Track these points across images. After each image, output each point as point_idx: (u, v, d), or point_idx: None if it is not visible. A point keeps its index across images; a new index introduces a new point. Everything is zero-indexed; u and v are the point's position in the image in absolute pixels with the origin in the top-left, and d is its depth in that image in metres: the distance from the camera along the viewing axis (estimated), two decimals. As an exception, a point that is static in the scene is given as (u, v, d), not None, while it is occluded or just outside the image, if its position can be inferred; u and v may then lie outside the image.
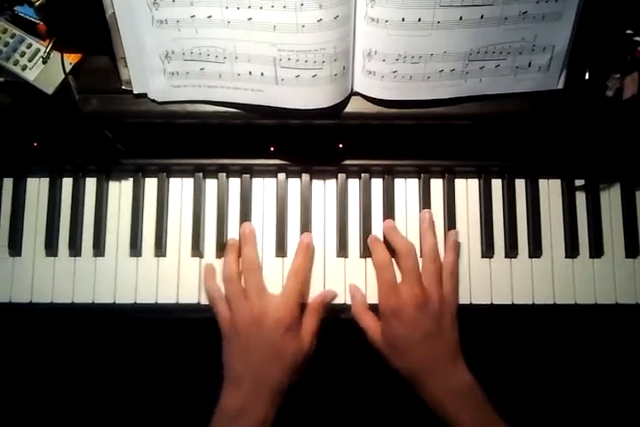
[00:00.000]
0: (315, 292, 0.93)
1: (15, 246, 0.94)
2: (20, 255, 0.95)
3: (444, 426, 0.83)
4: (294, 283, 0.90)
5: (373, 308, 0.90)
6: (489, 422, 0.83)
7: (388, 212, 0.95)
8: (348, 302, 0.92)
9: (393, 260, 0.92)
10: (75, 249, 0.94)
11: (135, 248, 0.94)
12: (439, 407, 0.84)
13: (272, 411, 0.84)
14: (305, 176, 0.96)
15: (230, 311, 0.88)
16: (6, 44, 0.82)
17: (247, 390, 0.84)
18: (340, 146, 0.93)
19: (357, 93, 0.86)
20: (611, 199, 0.96)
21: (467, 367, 0.86)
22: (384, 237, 0.94)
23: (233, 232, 0.94)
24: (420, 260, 0.91)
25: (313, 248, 0.93)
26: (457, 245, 0.93)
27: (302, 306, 0.90)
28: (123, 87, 0.86)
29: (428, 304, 0.86)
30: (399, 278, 0.90)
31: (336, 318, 0.93)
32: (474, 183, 0.97)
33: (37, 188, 0.96)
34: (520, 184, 0.96)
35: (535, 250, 0.94)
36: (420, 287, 0.87)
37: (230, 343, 0.87)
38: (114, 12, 0.79)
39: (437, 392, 0.84)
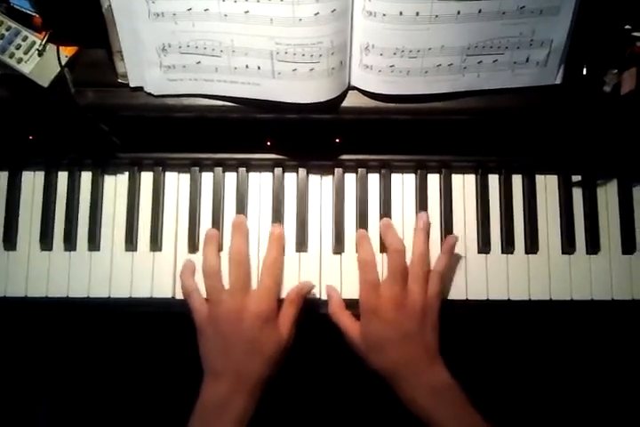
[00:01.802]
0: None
1: (10, 240, 0.94)
2: (14, 249, 0.94)
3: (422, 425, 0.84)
4: (270, 276, 0.89)
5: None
6: (468, 422, 0.83)
7: (385, 207, 0.95)
8: (345, 296, 0.92)
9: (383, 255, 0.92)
10: (70, 243, 0.94)
11: (131, 242, 0.94)
12: (416, 407, 0.84)
13: (252, 404, 0.85)
14: (302, 171, 0.95)
15: (209, 306, 0.88)
16: (2, 37, 0.82)
17: (227, 384, 0.85)
18: (337, 141, 0.93)
19: (354, 88, 0.86)
20: (607, 195, 0.96)
21: (445, 368, 0.86)
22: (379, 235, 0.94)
23: (229, 228, 0.94)
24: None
25: (284, 238, 0.93)
26: (452, 250, 0.92)
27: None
28: (119, 80, 0.86)
29: (407, 304, 0.86)
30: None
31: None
32: (471, 179, 0.96)
33: (32, 181, 0.95)
34: (517, 180, 0.96)
35: (531, 246, 0.94)
36: (402, 287, 0.87)
37: (208, 338, 0.87)
38: (110, 5, 0.79)
39: (414, 392, 0.84)
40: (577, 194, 0.96)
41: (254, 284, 0.91)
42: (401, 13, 0.77)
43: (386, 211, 0.95)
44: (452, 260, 0.93)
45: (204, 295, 0.90)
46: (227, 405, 0.84)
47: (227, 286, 0.89)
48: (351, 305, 0.91)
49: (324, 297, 0.93)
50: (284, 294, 0.91)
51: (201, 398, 0.85)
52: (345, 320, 0.89)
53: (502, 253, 0.95)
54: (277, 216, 0.94)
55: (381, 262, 0.93)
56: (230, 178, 0.96)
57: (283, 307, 0.89)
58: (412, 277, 0.88)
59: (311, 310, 0.92)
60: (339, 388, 1.21)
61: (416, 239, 0.92)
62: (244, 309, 0.86)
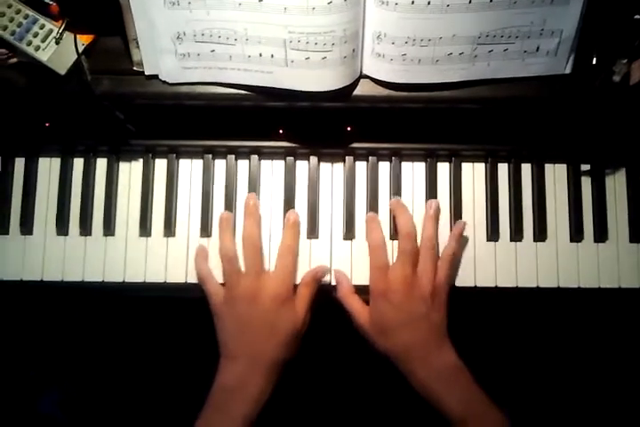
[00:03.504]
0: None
1: (27, 225, 0.95)
2: (31, 234, 0.96)
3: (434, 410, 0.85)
4: (286, 260, 0.91)
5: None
6: (475, 403, 0.84)
7: (395, 195, 0.96)
8: (355, 282, 0.93)
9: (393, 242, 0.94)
10: (85, 228, 0.95)
11: (145, 228, 0.95)
12: (424, 388, 0.85)
13: (269, 385, 0.86)
14: (313, 159, 0.96)
15: (225, 289, 0.89)
16: (20, 25, 0.83)
17: (243, 365, 0.86)
18: (349, 129, 0.94)
19: (366, 76, 0.87)
20: (616, 184, 0.97)
21: (453, 349, 0.87)
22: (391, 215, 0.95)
23: (241, 214, 0.95)
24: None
25: (299, 224, 0.94)
26: (461, 237, 0.93)
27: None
28: (134, 68, 0.87)
29: (417, 287, 0.87)
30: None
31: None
32: (480, 167, 0.97)
33: (49, 168, 0.97)
34: (526, 168, 0.97)
35: (540, 234, 0.95)
36: (412, 270, 0.88)
37: (225, 321, 0.89)
38: (126, -7, 0.80)
39: (422, 373, 0.85)
40: (585, 183, 0.97)
41: (268, 268, 0.92)
42: (413, 2, 0.78)
43: (396, 199, 0.96)
44: (460, 246, 0.94)
45: (219, 279, 0.91)
46: (243, 386, 0.85)
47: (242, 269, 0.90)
48: (362, 291, 0.92)
49: (334, 283, 0.94)
50: (298, 280, 0.92)
51: (217, 380, 0.87)
52: (353, 303, 0.91)
53: (511, 240, 0.96)
54: (289, 203, 0.95)
55: (391, 250, 0.94)
56: (243, 165, 0.97)
57: (298, 290, 0.90)
58: (421, 261, 0.89)
59: (322, 295, 0.93)
60: (351, 373, 1.22)
61: (426, 224, 0.92)
62: (261, 291, 0.87)
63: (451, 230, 0.95)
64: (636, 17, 0.82)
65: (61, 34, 0.84)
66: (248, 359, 0.86)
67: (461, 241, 0.94)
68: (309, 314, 0.90)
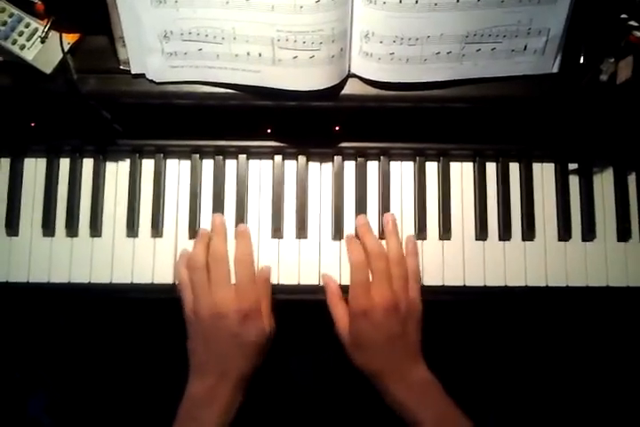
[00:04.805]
0: (310, 275, 0.94)
1: (12, 226, 0.94)
2: (17, 235, 0.95)
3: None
4: (243, 271, 0.90)
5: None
6: (448, 417, 0.85)
7: (384, 194, 0.96)
8: (342, 282, 0.93)
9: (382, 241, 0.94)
10: (72, 229, 0.94)
11: (132, 229, 0.95)
12: (398, 405, 0.86)
13: (238, 396, 0.87)
14: (301, 158, 0.96)
15: (194, 300, 0.89)
16: (4, 24, 0.82)
17: (212, 378, 0.86)
18: (337, 128, 0.94)
19: (354, 75, 0.87)
20: (603, 183, 0.97)
21: (425, 366, 0.88)
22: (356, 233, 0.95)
23: (229, 214, 0.95)
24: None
25: (249, 233, 0.94)
26: (417, 250, 0.94)
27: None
28: (121, 67, 0.87)
29: (395, 306, 0.88)
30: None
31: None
32: (468, 167, 0.97)
33: (35, 168, 0.96)
34: (514, 168, 0.97)
35: (528, 233, 0.95)
36: (391, 290, 0.88)
37: (193, 332, 0.89)
38: (113, -8, 0.79)
39: (395, 391, 0.86)
40: (573, 182, 0.97)
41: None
42: (400, 1, 0.78)
43: (384, 198, 0.96)
44: (418, 259, 0.94)
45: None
46: (213, 397, 0.86)
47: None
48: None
49: (322, 283, 0.93)
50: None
51: (187, 392, 0.87)
52: (338, 312, 0.91)
53: (499, 240, 0.96)
54: (277, 203, 0.95)
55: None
56: (231, 165, 0.97)
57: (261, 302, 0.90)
58: (394, 279, 0.90)
59: (309, 294, 0.94)
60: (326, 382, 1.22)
61: (389, 241, 0.93)
62: (225, 305, 0.87)
63: (439, 231, 0.95)
64: (623, 16, 0.82)
65: (47, 33, 0.83)
66: (217, 373, 0.87)
67: (418, 254, 0.94)
68: (273, 319, 0.91)
